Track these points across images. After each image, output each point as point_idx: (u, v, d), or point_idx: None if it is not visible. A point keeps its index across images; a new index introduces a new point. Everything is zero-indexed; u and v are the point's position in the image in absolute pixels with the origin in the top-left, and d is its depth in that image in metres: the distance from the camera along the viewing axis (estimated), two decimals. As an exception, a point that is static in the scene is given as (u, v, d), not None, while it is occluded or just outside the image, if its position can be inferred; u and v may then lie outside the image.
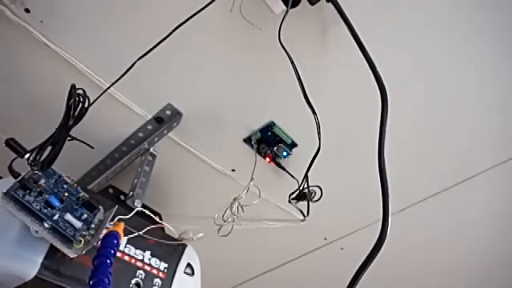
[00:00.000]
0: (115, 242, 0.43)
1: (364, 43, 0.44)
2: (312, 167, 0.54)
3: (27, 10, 0.50)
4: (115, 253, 0.42)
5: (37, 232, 0.41)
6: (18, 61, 0.56)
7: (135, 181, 0.60)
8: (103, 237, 0.44)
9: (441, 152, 0.65)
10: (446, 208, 0.75)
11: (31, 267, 0.40)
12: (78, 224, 0.43)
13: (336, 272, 0.69)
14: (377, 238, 0.32)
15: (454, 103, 0.58)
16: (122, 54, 0.50)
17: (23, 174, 0.42)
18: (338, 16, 0.45)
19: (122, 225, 0.47)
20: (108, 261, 0.41)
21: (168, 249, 0.56)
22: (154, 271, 0.52)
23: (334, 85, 0.56)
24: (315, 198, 0.60)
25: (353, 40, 0.45)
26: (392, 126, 0.40)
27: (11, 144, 0.43)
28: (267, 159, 0.65)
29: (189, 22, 0.44)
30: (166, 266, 0.54)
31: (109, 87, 0.50)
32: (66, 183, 0.46)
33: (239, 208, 0.59)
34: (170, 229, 0.57)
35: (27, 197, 0.41)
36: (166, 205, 0.74)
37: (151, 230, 0.53)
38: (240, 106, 0.60)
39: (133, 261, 0.51)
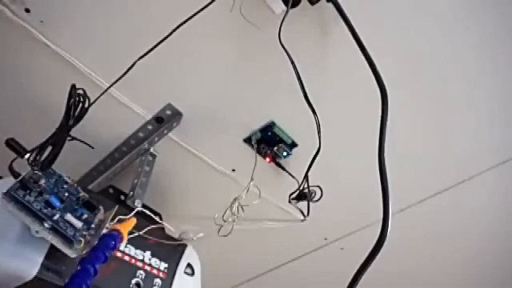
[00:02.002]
0: (113, 243, 0.41)
1: (364, 43, 0.44)
2: (312, 167, 0.55)
3: (27, 10, 0.50)
4: (106, 258, 0.40)
5: (37, 232, 0.41)
6: (18, 61, 0.56)
7: (135, 181, 0.60)
8: (102, 236, 0.42)
9: (441, 152, 0.65)
10: (446, 208, 0.75)
11: (31, 267, 0.40)
12: (78, 224, 0.43)
13: (336, 272, 0.69)
14: (377, 238, 0.32)
15: (454, 103, 0.58)
16: (122, 54, 0.50)
17: (23, 173, 0.42)
18: (339, 16, 0.45)
19: (132, 222, 0.46)
20: (92, 269, 0.37)
21: (168, 249, 0.56)
22: (154, 271, 0.52)
23: (334, 85, 0.56)
24: (315, 198, 0.60)
25: (353, 40, 0.45)
26: (392, 126, 0.40)
27: (11, 144, 0.43)
28: (267, 159, 0.65)
29: (189, 22, 0.44)
30: (166, 266, 0.54)
31: (109, 87, 0.50)
32: (66, 183, 0.46)
33: (239, 208, 0.59)
34: (170, 229, 0.57)
35: (27, 197, 0.41)
36: (166, 205, 0.74)
37: (151, 230, 0.53)
38: (240, 106, 0.60)
39: (133, 261, 0.51)
